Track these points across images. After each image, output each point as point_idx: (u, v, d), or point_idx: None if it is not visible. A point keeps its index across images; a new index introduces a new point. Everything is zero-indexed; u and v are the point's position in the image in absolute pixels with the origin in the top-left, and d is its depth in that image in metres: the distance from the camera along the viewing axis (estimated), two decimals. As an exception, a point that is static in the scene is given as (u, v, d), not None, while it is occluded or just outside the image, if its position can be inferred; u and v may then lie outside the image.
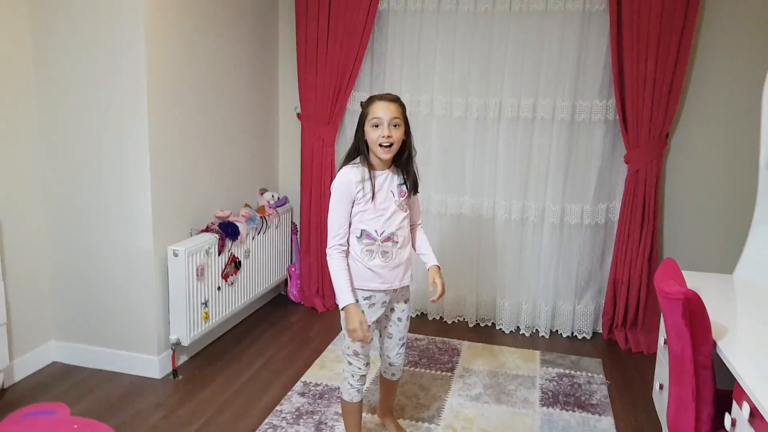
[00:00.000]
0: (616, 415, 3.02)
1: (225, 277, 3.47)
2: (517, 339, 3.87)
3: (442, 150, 3.88)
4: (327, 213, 3.99)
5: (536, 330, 3.96)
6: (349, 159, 2.37)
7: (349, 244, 2.37)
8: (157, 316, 3.20)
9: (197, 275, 3.24)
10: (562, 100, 3.66)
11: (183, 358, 3.40)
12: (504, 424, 2.92)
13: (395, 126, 2.26)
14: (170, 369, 3.27)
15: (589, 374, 3.43)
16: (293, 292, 4.20)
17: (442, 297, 2.52)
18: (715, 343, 2.06)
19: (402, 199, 2.38)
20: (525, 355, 3.64)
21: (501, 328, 3.97)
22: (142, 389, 3.14)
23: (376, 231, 2.33)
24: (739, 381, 1.84)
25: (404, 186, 2.38)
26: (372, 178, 2.31)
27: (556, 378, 3.38)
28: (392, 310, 2.52)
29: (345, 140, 4.03)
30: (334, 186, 2.33)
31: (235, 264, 3.55)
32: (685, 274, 2.63)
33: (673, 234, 3.79)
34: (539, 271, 3.88)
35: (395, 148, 2.29)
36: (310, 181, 4.00)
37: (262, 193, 3.99)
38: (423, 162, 3.91)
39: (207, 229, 3.40)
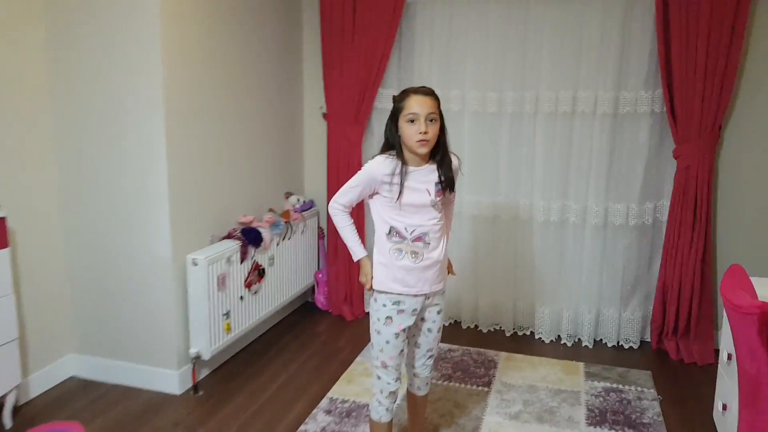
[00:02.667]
0: (673, 436, 2.69)
1: (248, 285, 3.23)
2: (558, 349, 3.54)
3: (475, 148, 3.57)
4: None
5: (579, 339, 3.62)
6: (384, 151, 2.22)
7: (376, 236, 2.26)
8: (176, 329, 2.97)
9: (218, 285, 2.99)
10: (605, 92, 3.32)
11: (204, 372, 3.17)
12: (548, 446, 2.61)
13: (431, 121, 2.09)
14: (191, 384, 3.04)
15: (639, 389, 3.09)
16: (320, 300, 3.94)
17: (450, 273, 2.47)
18: (801, 366, 1.73)
19: (438, 198, 2.18)
20: (567, 367, 3.31)
21: (540, 337, 3.64)
22: (161, 406, 2.91)
23: (406, 229, 2.15)
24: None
25: (440, 185, 2.18)
26: (403, 174, 2.12)
27: (603, 393, 3.04)
28: (423, 319, 2.27)
29: (372, 140, 3.76)
30: (363, 167, 2.23)
31: (259, 272, 3.30)
32: (754, 281, 2.29)
33: (729, 234, 3.41)
34: (581, 276, 3.54)
35: (432, 142, 2.13)
36: (337, 183, 3.73)
37: (287, 197, 3.74)
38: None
39: (229, 236, 3.15)
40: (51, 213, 2.97)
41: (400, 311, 2.17)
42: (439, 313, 2.29)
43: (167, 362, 3.01)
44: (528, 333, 3.70)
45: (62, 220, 3.00)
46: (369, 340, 3.59)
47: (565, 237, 3.54)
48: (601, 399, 2.99)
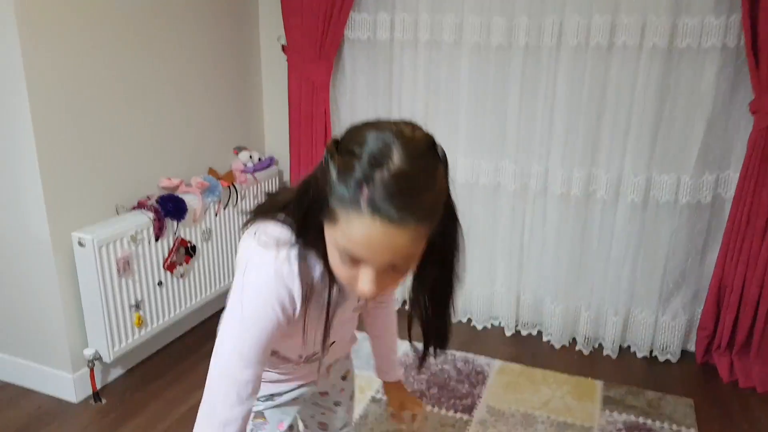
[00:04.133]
0: None
1: (170, 268, 2.45)
2: (571, 358, 2.65)
3: (475, 94, 2.60)
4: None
5: (599, 345, 2.71)
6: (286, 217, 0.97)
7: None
8: (67, 324, 2.23)
9: (119, 270, 2.23)
10: (656, 17, 2.27)
11: (116, 373, 2.44)
12: None
13: (397, 271, 0.88)
14: (91, 390, 2.34)
15: (675, 427, 2.21)
16: (282, 278, 3.13)
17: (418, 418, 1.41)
18: None
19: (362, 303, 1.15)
20: (580, 386, 2.44)
21: (549, 340, 2.74)
22: (52, 416, 2.23)
23: (300, 356, 1.17)
24: None
25: None
26: (329, 294, 0.97)
27: (622, 429, 2.19)
28: (324, 393, 1.37)
29: (345, 82, 2.82)
30: (246, 290, 0.95)
31: (186, 250, 2.51)
32: None
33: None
34: (608, 267, 2.60)
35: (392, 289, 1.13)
36: (299, 136, 2.85)
37: (236, 153, 2.89)
38: (448, 111, 2.69)
39: (140, 206, 2.36)
40: None
41: (276, 406, 1.25)
42: (344, 378, 1.38)
43: (60, 363, 2.28)
44: (534, 333, 2.81)
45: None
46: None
47: (591, 216, 2.58)
48: (621, 442, 2.14)
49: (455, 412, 2.26)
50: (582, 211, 2.58)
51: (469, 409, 2.27)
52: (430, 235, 0.86)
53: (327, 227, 0.87)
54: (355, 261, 0.85)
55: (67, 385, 2.29)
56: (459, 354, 2.61)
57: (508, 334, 2.80)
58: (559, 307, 2.68)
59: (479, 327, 2.85)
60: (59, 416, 2.24)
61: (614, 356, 2.64)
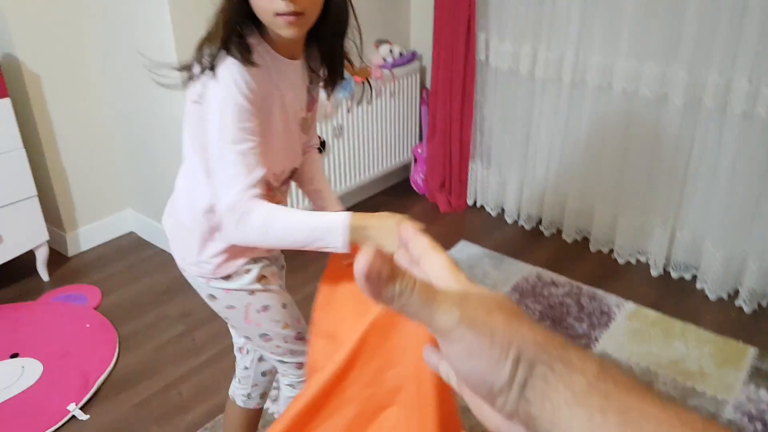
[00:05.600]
0: None
1: (297, 161, 2.48)
2: (726, 314, 2.17)
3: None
4: (457, 77, 2.64)
5: (769, 303, 2.20)
6: (213, 40, 1.02)
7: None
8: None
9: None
10: None
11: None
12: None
13: None
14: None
15: (844, 422, 1.73)
16: (417, 181, 2.98)
17: None
18: None
19: (309, 114, 1.22)
20: (727, 350, 2.00)
21: (704, 289, 2.28)
22: (184, 288, 2.50)
23: (275, 174, 1.18)
24: None
25: (314, 89, 1.21)
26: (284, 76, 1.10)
27: (765, 412, 1.77)
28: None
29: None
30: (214, 93, 1.02)
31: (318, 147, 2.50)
32: None
33: None
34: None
35: (308, 19, 1.04)
36: (442, 30, 2.58)
37: (377, 47, 2.72)
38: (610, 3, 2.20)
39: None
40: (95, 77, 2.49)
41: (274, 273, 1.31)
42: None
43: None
44: (687, 277, 2.35)
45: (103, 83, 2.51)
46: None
47: (782, 144, 2.00)
48: (758, 426, 1.74)
49: (562, 349, 2.03)
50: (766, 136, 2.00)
51: (579, 350, 2.02)
52: None
53: None
54: None
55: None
56: (586, 288, 2.31)
57: (654, 273, 2.38)
58: (722, 251, 2.19)
59: (621, 261, 2.47)
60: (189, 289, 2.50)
61: (787, 321, 2.12)
